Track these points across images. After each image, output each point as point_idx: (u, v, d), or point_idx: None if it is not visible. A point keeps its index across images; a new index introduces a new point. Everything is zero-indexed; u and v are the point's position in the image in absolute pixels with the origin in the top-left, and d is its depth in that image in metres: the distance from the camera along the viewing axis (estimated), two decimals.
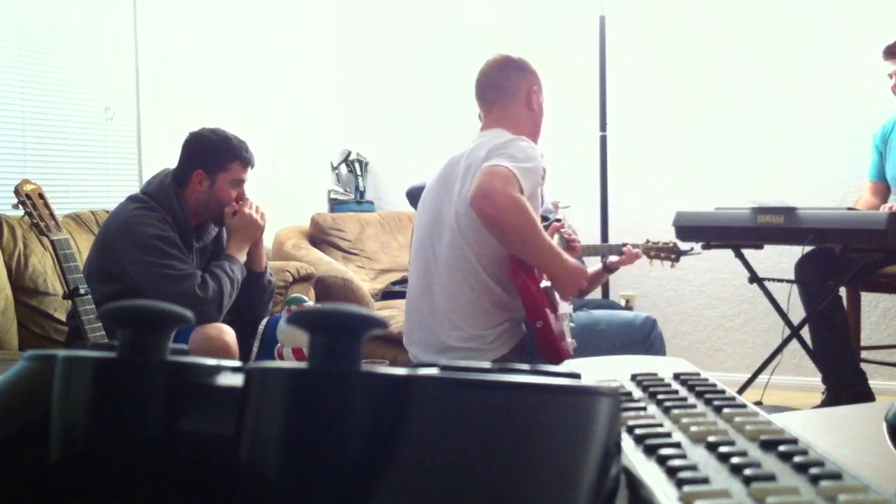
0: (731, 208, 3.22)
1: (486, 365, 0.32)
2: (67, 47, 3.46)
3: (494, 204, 2.14)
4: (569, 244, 2.66)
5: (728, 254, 3.39)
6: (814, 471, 0.34)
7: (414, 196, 3.38)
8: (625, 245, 3.07)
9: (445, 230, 2.36)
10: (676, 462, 0.34)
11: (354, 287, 3.80)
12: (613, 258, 3.10)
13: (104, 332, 2.23)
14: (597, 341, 2.44)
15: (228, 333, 2.52)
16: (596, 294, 3.88)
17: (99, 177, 3.63)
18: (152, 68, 3.77)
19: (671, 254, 3.18)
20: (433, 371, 0.30)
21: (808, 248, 3.30)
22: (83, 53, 3.52)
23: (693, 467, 0.34)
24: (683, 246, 3.20)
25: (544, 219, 2.92)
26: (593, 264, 3.03)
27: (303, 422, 0.29)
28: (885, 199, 3.47)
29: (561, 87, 4.31)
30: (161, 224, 2.58)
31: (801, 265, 3.34)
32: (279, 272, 3.39)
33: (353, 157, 4.85)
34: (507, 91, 2.51)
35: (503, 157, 2.21)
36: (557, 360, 2.16)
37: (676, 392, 0.45)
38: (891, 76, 3.30)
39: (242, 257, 2.71)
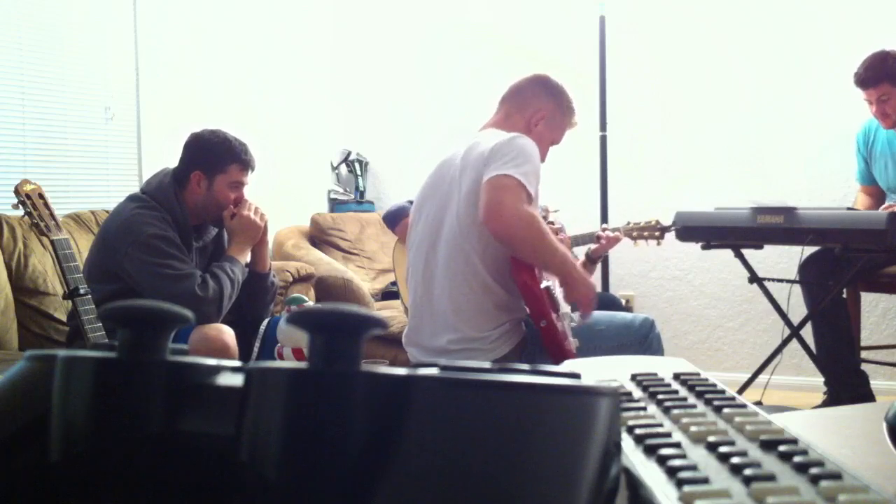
0: (731, 208, 3.22)
1: (486, 365, 0.32)
2: (67, 47, 3.46)
3: (504, 222, 2.17)
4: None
5: (728, 254, 3.39)
6: (814, 471, 0.34)
7: (391, 219, 3.36)
8: (603, 230, 3.04)
9: (445, 232, 2.36)
10: (676, 462, 0.34)
11: (354, 287, 3.81)
12: (593, 246, 3.05)
13: (104, 332, 2.23)
14: (595, 341, 2.44)
15: (228, 333, 2.52)
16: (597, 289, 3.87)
17: (99, 177, 3.63)
18: (152, 68, 3.77)
19: (654, 231, 3.17)
20: (433, 371, 0.30)
21: (811, 250, 3.30)
22: (83, 53, 3.52)
23: (693, 467, 0.34)
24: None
25: None
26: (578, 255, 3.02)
27: (303, 422, 0.29)
28: (880, 200, 3.47)
29: None
30: (161, 223, 2.57)
31: (806, 266, 3.34)
32: (279, 272, 3.38)
33: (353, 157, 4.85)
34: (520, 98, 2.51)
35: (508, 163, 2.21)
36: (562, 360, 2.16)
37: (676, 392, 0.45)
38: (869, 103, 3.29)
39: (243, 258, 2.71)
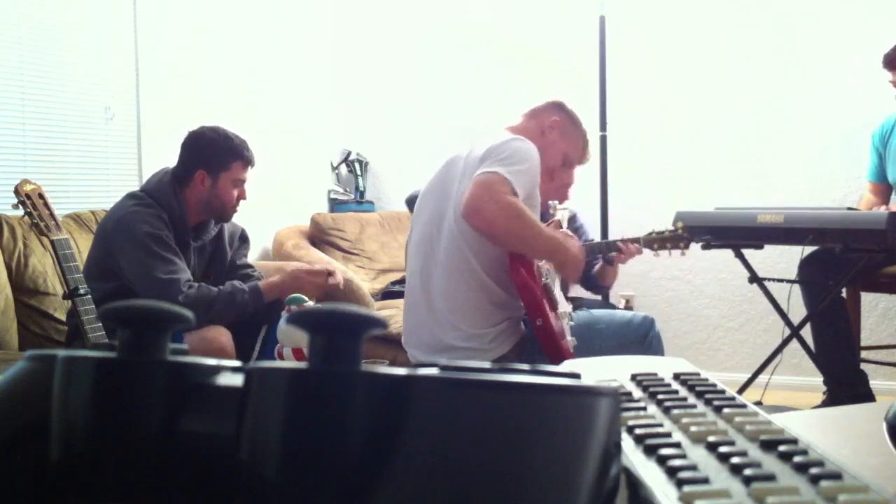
0: (731, 208, 3.22)
1: (486, 365, 0.32)
2: (67, 47, 3.46)
3: (483, 216, 2.16)
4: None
5: (728, 254, 3.39)
6: (814, 471, 0.34)
7: (413, 203, 3.38)
8: (623, 241, 2.98)
9: (444, 230, 2.36)
10: (676, 462, 0.34)
11: (354, 287, 3.80)
12: (612, 255, 3.05)
13: (104, 332, 2.23)
14: (595, 340, 2.44)
15: (225, 335, 2.53)
16: (594, 296, 3.88)
17: (99, 177, 3.63)
18: (152, 68, 3.77)
19: (679, 241, 3.03)
20: (433, 371, 0.30)
21: (810, 249, 3.30)
22: (83, 53, 3.52)
23: (693, 467, 0.34)
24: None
25: (542, 218, 2.91)
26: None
27: (303, 422, 0.29)
28: (886, 200, 3.46)
29: (561, 87, 4.31)
30: (156, 222, 2.58)
31: (805, 265, 3.34)
32: (279, 272, 3.38)
33: (353, 157, 4.85)
34: (537, 112, 2.57)
35: (495, 161, 2.22)
36: (558, 359, 2.16)
37: (676, 392, 0.45)
38: (893, 85, 3.27)
39: (270, 295, 2.67)
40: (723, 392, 0.45)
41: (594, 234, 3.77)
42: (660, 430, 0.39)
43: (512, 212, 2.17)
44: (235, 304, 2.59)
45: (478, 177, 2.20)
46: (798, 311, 3.33)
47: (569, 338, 2.37)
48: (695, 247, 3.32)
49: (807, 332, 3.30)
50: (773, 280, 3.30)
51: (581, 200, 4.14)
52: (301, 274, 2.71)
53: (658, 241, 3.00)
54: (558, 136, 2.53)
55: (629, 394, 0.45)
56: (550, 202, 2.78)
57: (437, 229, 2.38)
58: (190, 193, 2.69)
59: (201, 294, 2.52)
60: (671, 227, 3.05)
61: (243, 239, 2.97)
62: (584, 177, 4.21)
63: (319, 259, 4.03)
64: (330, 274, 2.81)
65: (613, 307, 3.49)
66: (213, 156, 2.69)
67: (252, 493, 0.30)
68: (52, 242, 2.30)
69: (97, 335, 2.21)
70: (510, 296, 2.35)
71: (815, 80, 3.99)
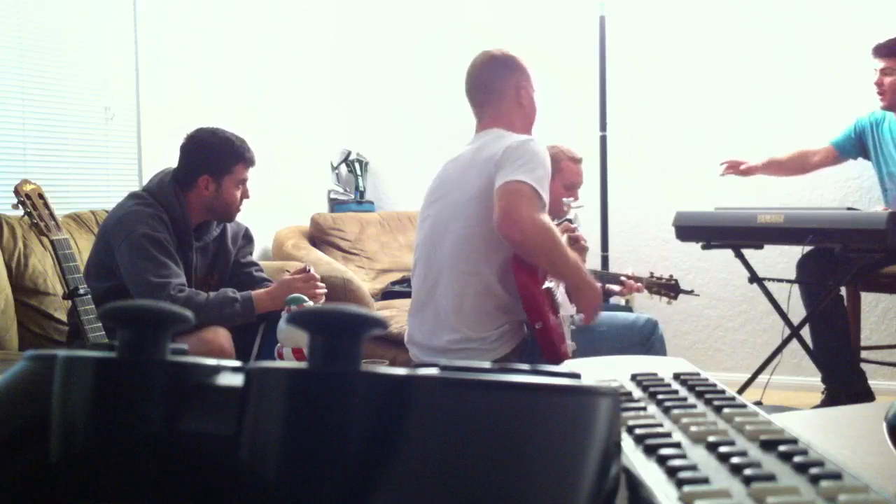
0: (731, 208, 3.22)
1: (486, 365, 0.32)
2: (67, 47, 3.46)
3: (521, 229, 2.18)
4: (575, 244, 2.66)
5: (728, 254, 3.39)
6: (814, 471, 0.34)
7: None
8: (627, 277, 3.14)
9: (450, 233, 2.36)
10: (676, 462, 0.34)
11: (354, 287, 3.80)
12: (614, 287, 3.16)
13: (104, 332, 2.23)
14: (597, 343, 2.44)
15: (224, 335, 2.53)
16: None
17: (99, 177, 3.63)
18: (152, 68, 3.77)
19: (670, 291, 3.25)
20: (433, 371, 0.30)
21: (808, 248, 3.30)
22: (83, 53, 3.52)
23: (693, 467, 0.34)
24: (684, 285, 3.33)
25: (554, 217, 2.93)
26: None
27: (303, 422, 0.29)
28: (825, 163, 3.55)
29: (561, 87, 4.31)
30: (155, 223, 2.58)
31: (803, 264, 3.34)
32: (279, 272, 3.38)
33: (353, 157, 4.85)
34: (494, 91, 2.48)
35: (520, 167, 2.21)
36: (557, 362, 2.16)
37: (676, 392, 0.45)
38: (878, 72, 3.31)
39: (262, 306, 2.66)
40: (723, 392, 0.45)
41: (588, 237, 3.79)
42: (660, 430, 0.39)
43: (547, 232, 2.22)
44: (223, 315, 2.59)
45: (507, 185, 2.20)
46: (798, 311, 3.33)
47: (568, 342, 2.37)
48: (695, 247, 3.32)
49: (806, 332, 3.30)
50: (773, 280, 3.31)
51: (581, 200, 4.15)
52: (292, 281, 2.71)
53: (655, 286, 3.23)
54: (527, 90, 2.48)
55: (629, 394, 0.45)
56: (564, 200, 2.79)
57: (442, 232, 2.38)
58: (193, 197, 2.69)
59: (188, 301, 2.51)
60: (668, 276, 3.33)
61: (247, 238, 2.97)
62: (585, 177, 4.23)
63: (319, 259, 4.03)
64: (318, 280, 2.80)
65: (620, 308, 3.50)
66: (216, 161, 2.69)
67: (252, 493, 0.30)
68: (52, 242, 2.29)
69: (97, 335, 2.21)
70: (515, 299, 2.35)
71: (815, 80, 3.99)
